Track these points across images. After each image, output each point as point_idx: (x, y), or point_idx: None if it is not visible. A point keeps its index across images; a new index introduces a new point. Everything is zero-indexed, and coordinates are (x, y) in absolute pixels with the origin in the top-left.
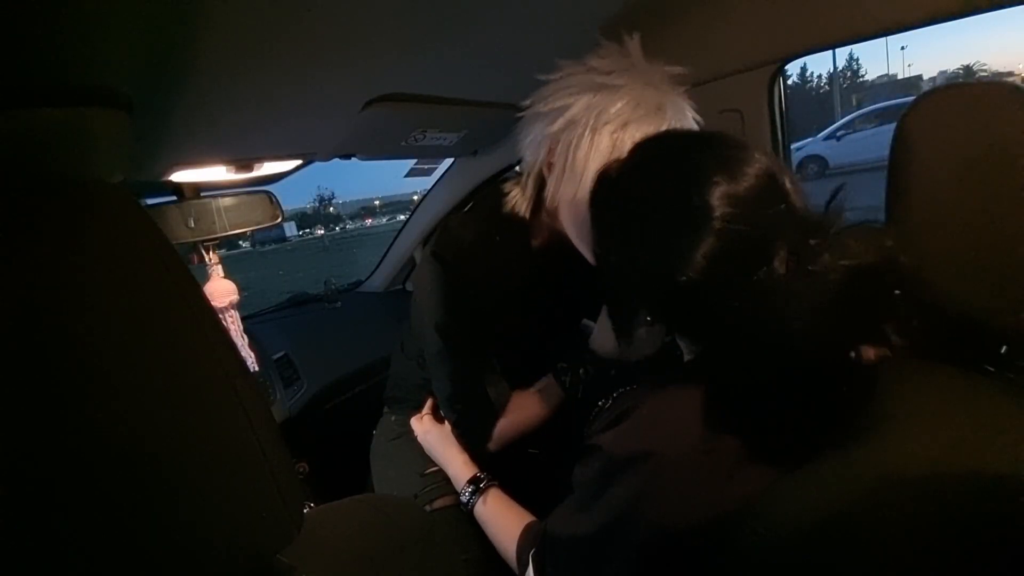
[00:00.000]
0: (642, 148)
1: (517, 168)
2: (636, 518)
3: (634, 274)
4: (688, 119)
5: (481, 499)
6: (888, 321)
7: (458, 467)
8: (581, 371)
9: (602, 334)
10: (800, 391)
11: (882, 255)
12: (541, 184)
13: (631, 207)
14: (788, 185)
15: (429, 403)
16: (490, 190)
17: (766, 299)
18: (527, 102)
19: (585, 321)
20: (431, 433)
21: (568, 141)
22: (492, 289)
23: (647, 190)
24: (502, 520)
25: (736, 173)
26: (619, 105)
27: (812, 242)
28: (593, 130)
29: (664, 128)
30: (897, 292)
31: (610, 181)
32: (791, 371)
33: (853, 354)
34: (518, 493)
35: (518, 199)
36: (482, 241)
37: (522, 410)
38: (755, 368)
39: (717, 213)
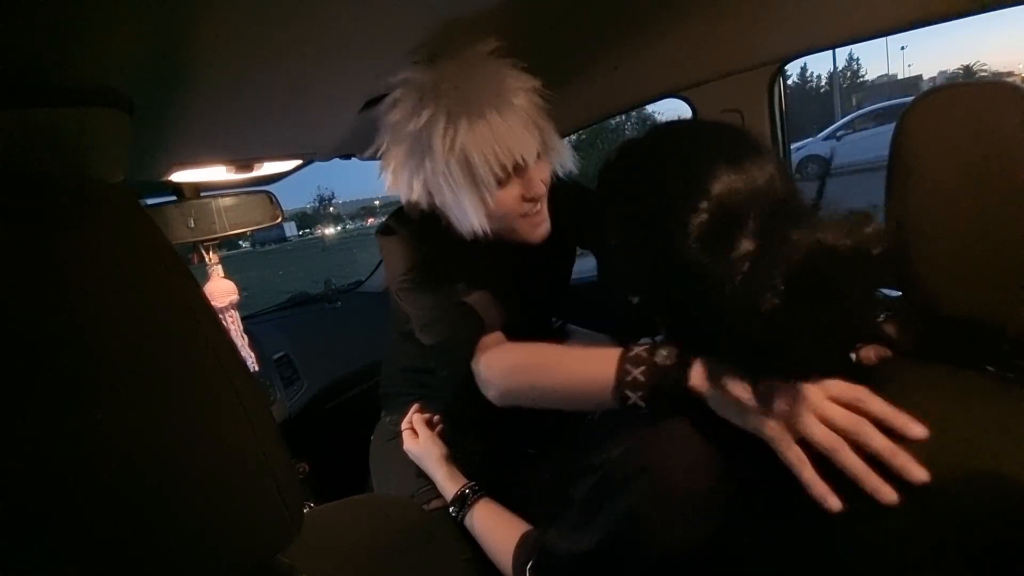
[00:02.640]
0: (653, 136)
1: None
2: (634, 536)
3: (632, 255)
4: (510, 92)
5: (469, 514)
6: (868, 311)
7: (442, 479)
8: None
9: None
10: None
11: (859, 241)
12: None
13: (638, 188)
14: (785, 183)
15: (410, 415)
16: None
17: (746, 277)
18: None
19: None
20: (412, 450)
21: (434, 185)
22: (454, 259)
23: (654, 173)
24: (493, 534)
25: (739, 164)
26: (445, 137)
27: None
28: (442, 173)
29: (499, 119)
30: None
31: (618, 166)
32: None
33: (853, 355)
34: (513, 494)
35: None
36: (435, 220)
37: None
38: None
39: (715, 191)
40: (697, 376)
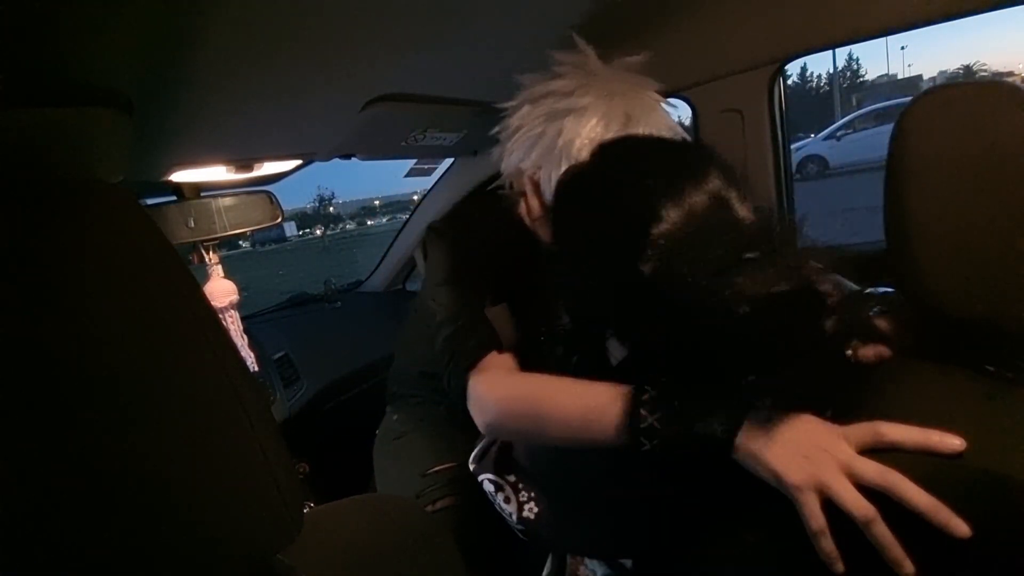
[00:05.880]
0: (601, 155)
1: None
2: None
3: (584, 271)
4: (658, 116)
5: None
6: (801, 351)
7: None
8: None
9: None
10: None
11: (798, 284)
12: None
13: (586, 213)
14: (736, 203)
15: None
16: (493, 195)
17: (688, 318)
18: (496, 130)
19: None
20: None
21: (548, 173)
22: (490, 268)
23: (599, 198)
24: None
25: (681, 196)
26: (588, 127)
27: (748, 255)
28: (569, 159)
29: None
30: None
31: (570, 187)
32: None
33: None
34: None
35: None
36: (483, 226)
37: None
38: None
39: (656, 232)
40: (707, 424)
